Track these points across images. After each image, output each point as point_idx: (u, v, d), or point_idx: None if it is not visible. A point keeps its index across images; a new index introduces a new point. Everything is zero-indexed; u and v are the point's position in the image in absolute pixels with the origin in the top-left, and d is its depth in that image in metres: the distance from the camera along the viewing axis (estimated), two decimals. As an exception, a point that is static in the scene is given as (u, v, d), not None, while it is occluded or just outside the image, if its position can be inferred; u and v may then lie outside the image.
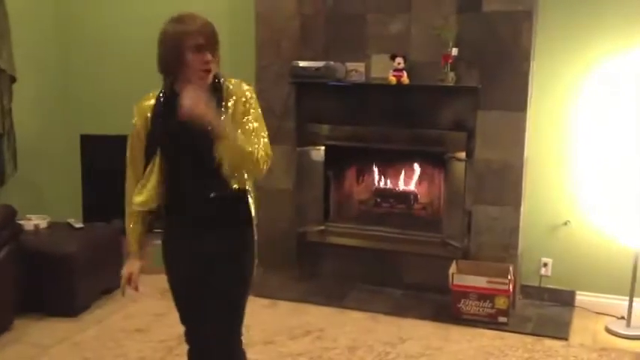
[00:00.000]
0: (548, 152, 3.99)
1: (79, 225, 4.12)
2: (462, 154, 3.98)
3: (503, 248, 3.89)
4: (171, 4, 4.56)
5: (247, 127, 2.12)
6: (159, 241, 2.29)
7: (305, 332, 3.62)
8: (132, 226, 2.28)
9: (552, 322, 3.79)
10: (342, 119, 4.24)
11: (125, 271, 2.30)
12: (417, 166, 4.45)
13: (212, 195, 2.14)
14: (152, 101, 2.17)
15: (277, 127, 4.22)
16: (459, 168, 4.01)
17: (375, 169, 4.58)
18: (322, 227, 4.41)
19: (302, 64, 4.06)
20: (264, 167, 2.13)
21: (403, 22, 3.99)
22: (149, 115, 2.15)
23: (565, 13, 3.83)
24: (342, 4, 4.12)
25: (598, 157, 3.89)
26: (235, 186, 2.16)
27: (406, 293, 4.15)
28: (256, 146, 2.09)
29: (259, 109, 2.19)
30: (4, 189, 4.22)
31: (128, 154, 2.25)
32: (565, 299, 4.01)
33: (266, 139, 2.15)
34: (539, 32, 3.82)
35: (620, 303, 3.80)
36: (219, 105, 2.09)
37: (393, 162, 4.50)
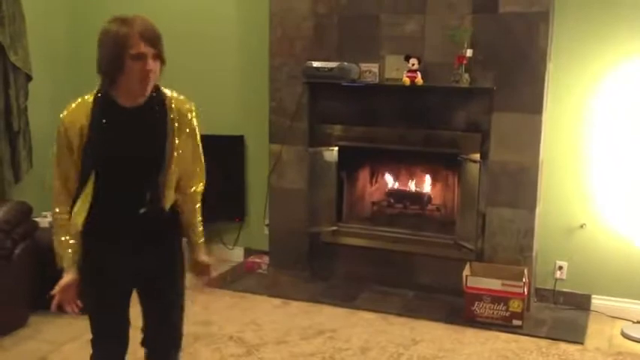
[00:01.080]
0: (564, 154, 3.96)
1: (93, 223, 4.14)
2: (477, 156, 3.95)
3: (518, 251, 3.87)
4: (186, 1, 4.63)
5: (196, 152, 2.19)
6: None
7: (317, 332, 3.61)
8: (64, 240, 2.13)
9: (567, 325, 3.76)
10: (356, 120, 4.23)
11: (61, 285, 2.15)
12: (430, 168, 4.44)
13: (142, 211, 2.09)
14: (84, 108, 2.05)
15: (290, 127, 4.22)
16: (473, 169, 3.99)
17: (389, 170, 4.57)
18: (335, 228, 4.40)
19: (315, 64, 4.06)
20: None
21: (417, 23, 3.98)
22: (85, 123, 2.02)
23: (582, 13, 3.80)
24: (356, 5, 4.11)
25: (614, 160, 3.85)
26: (167, 205, 2.15)
27: (419, 295, 4.13)
28: (200, 185, 2.24)
29: (198, 122, 2.18)
30: (20, 186, 4.26)
31: (55, 166, 2.09)
32: (580, 303, 3.98)
33: (203, 162, 2.24)
34: (555, 33, 3.79)
35: (636, 307, 3.77)
36: (162, 118, 2.07)
37: (406, 163, 4.49)
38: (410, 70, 3.90)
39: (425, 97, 4.01)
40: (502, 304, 3.67)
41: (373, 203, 4.65)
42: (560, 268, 4.02)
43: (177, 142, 2.09)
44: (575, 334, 3.62)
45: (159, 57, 1.99)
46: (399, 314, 3.86)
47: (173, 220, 2.20)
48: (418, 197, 4.49)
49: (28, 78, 4.28)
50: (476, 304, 3.71)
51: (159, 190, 2.10)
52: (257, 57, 4.46)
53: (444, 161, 4.28)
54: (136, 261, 2.14)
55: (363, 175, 4.63)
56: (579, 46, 3.84)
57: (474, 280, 3.75)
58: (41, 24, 4.51)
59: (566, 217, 3.98)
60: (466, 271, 3.81)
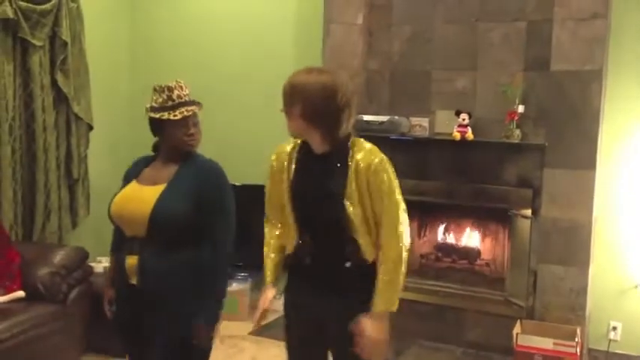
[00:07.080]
0: (618, 212, 3.88)
1: (146, 269, 4.22)
2: (528, 212, 3.91)
3: (570, 309, 3.77)
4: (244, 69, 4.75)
5: (384, 208, 2.10)
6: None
7: (363, 387, 3.55)
8: (267, 254, 2.25)
9: (623, 390, 3.62)
10: (406, 173, 4.20)
11: (262, 303, 2.22)
12: (480, 222, 4.40)
13: (347, 265, 2.10)
14: (291, 146, 2.20)
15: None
16: (524, 225, 3.94)
17: (438, 224, 4.55)
18: (382, 280, 4.36)
19: (366, 117, 4.12)
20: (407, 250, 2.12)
21: (469, 79, 4.02)
22: (285, 163, 2.18)
23: (636, 71, 3.77)
24: (407, 61, 4.19)
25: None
26: (367, 257, 2.12)
27: (467, 352, 4.05)
28: (401, 244, 2.09)
29: (390, 175, 2.14)
30: (77, 231, 4.39)
31: (266, 189, 2.27)
32: (636, 366, 3.84)
33: (402, 213, 2.13)
34: (608, 90, 3.77)
35: (696, 373, 3.61)
36: (342, 170, 2.09)
37: (456, 217, 4.46)
38: (460, 125, 3.93)
39: (475, 152, 4.02)
40: (554, 365, 3.56)
41: (421, 256, 4.61)
42: (615, 328, 3.89)
43: (353, 190, 2.07)
44: (632, 400, 3.49)
45: (290, 106, 2.08)
46: (447, 371, 3.79)
47: (358, 274, 2.12)
48: (467, 252, 4.44)
49: (89, 127, 4.46)
50: (527, 364, 3.62)
51: (330, 239, 2.11)
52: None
53: (494, 216, 4.24)
54: (314, 310, 2.14)
55: (412, 227, 4.59)
56: (633, 104, 3.80)
57: (525, 338, 3.66)
58: (104, 76, 4.72)
59: (621, 277, 3.87)
60: (517, 329, 3.72)
